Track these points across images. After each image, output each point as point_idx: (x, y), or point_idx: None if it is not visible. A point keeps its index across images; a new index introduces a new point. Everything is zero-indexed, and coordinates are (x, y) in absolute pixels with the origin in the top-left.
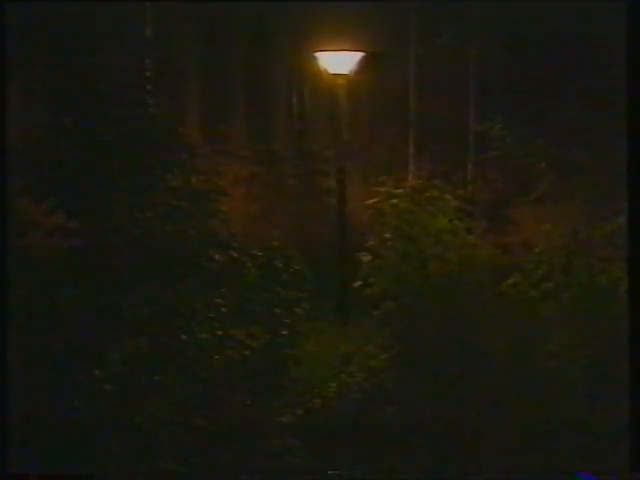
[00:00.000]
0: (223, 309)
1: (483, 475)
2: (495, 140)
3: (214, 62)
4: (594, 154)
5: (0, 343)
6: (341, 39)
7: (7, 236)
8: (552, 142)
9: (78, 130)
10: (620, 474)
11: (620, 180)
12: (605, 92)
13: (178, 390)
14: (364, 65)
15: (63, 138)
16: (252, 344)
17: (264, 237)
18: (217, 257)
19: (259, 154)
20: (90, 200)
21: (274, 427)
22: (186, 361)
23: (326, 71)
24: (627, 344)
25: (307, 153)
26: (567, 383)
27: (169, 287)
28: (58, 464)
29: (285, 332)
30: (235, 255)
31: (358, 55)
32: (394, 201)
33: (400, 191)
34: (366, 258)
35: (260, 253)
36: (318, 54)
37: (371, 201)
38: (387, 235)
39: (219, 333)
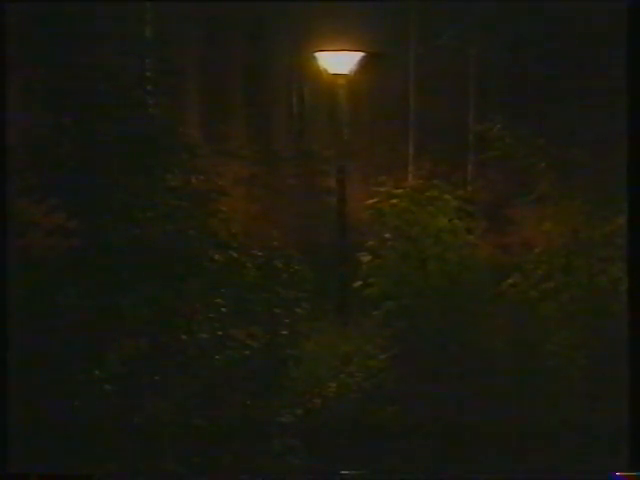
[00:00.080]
0: (223, 309)
1: (483, 475)
2: (495, 140)
3: (214, 62)
4: (594, 154)
5: (0, 343)
6: (341, 39)
7: (7, 236)
8: (552, 142)
9: (78, 130)
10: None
11: (620, 180)
12: (605, 92)
13: (178, 390)
14: (364, 65)
15: (63, 138)
16: (252, 344)
17: (264, 237)
18: (217, 257)
19: (259, 154)
20: (90, 200)
21: (274, 427)
22: (186, 361)
23: (326, 71)
24: (627, 344)
25: (307, 153)
26: (567, 383)
27: (169, 287)
28: (58, 464)
29: (285, 332)
30: (235, 255)
31: (358, 55)
32: (394, 201)
33: (400, 191)
34: (366, 258)
35: (260, 253)
36: (318, 54)
37: (371, 201)
38: (387, 235)
39: (219, 333)
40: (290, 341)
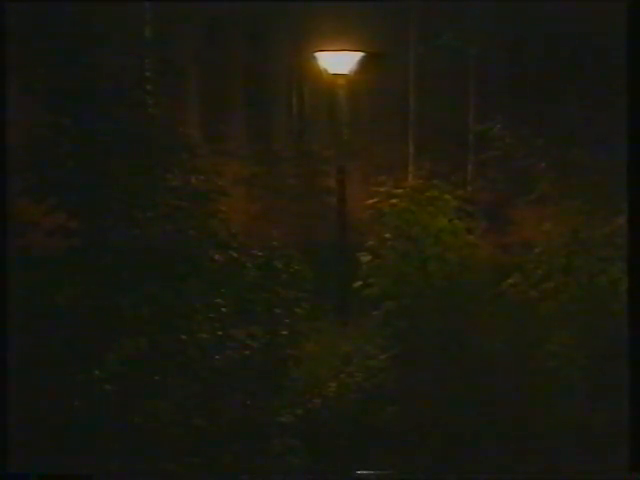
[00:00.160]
0: (223, 309)
1: (483, 475)
2: (495, 140)
3: (214, 62)
4: (594, 154)
5: (0, 343)
6: (341, 39)
7: (7, 236)
8: (552, 142)
9: (78, 130)
10: (620, 474)
11: (620, 180)
12: (605, 92)
13: (178, 390)
14: (364, 65)
15: (63, 138)
16: (252, 344)
17: (264, 237)
18: (217, 257)
19: (259, 154)
20: (90, 200)
21: (274, 427)
22: (186, 361)
23: (326, 71)
24: (627, 344)
25: (307, 153)
26: (567, 383)
27: (169, 287)
28: (58, 464)
29: (285, 332)
30: (235, 255)
31: (358, 55)
32: (394, 201)
33: (400, 191)
34: (366, 258)
35: (260, 253)
36: (318, 54)
37: (371, 201)
38: (387, 235)
39: (219, 333)
40: (290, 341)
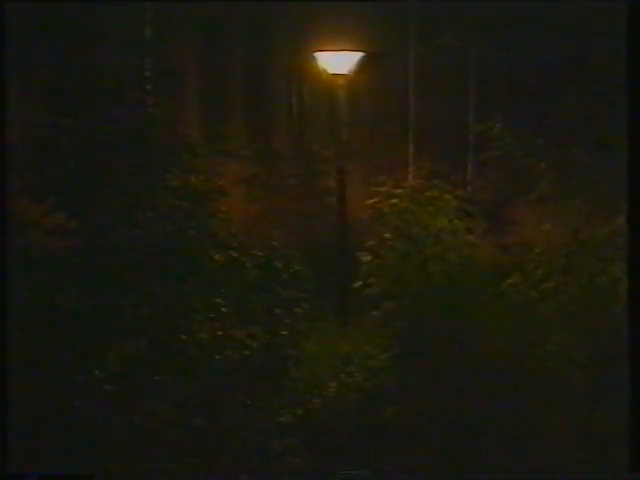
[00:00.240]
0: (223, 309)
1: (483, 475)
2: (495, 140)
3: (214, 62)
4: (594, 154)
5: (0, 343)
6: (341, 39)
7: (7, 236)
8: (552, 142)
9: (78, 130)
10: (620, 474)
11: (620, 180)
12: (605, 92)
13: (178, 390)
14: (364, 65)
15: (63, 138)
16: (252, 344)
17: (264, 237)
18: (217, 257)
19: (259, 154)
20: (90, 200)
21: (274, 427)
22: (186, 361)
23: (326, 71)
24: (627, 344)
25: (307, 153)
26: (567, 383)
27: (169, 287)
28: (58, 464)
29: (285, 332)
30: (235, 255)
31: (358, 55)
32: (394, 201)
33: (400, 191)
34: (366, 258)
35: (260, 253)
36: (318, 54)
37: (371, 201)
38: (387, 235)
39: (219, 333)
40: (290, 341)
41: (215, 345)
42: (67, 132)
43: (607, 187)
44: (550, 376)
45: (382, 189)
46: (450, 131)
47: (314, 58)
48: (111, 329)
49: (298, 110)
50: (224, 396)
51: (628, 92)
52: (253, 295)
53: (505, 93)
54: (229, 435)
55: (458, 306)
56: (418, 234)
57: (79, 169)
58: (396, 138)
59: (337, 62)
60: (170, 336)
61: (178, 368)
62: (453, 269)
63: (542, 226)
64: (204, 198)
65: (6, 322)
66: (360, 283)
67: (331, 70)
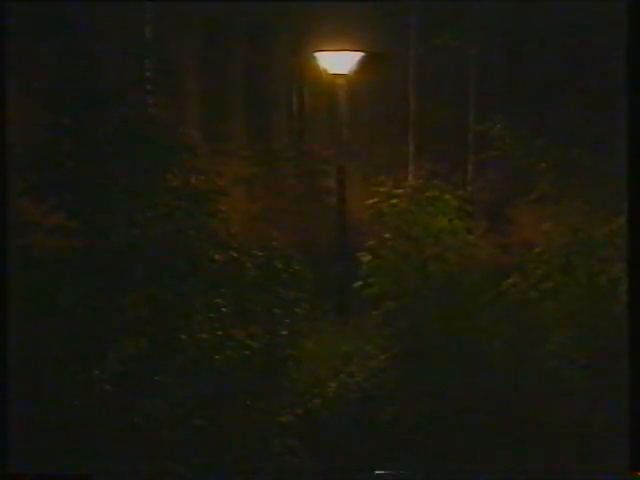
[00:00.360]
0: (223, 309)
1: (483, 475)
2: (495, 140)
3: (214, 62)
4: (594, 154)
5: (0, 343)
6: (341, 39)
7: (7, 236)
8: (552, 142)
9: (78, 130)
10: (620, 474)
11: (620, 180)
12: (605, 92)
13: (178, 390)
14: (364, 65)
15: (63, 138)
16: (252, 344)
17: (264, 237)
18: (217, 257)
19: (259, 154)
20: (90, 200)
21: (274, 427)
22: (186, 361)
23: (326, 71)
24: (627, 344)
25: (307, 153)
26: (567, 383)
27: (169, 287)
28: (58, 464)
29: (285, 332)
30: (235, 255)
31: (358, 55)
32: (394, 201)
33: (400, 191)
34: (366, 258)
35: (260, 253)
36: (318, 54)
37: (371, 201)
38: (387, 235)
39: (219, 333)
40: (290, 341)
41: (215, 345)
42: (67, 132)
43: (607, 187)
44: (550, 376)
45: (382, 189)
46: (450, 131)
47: (314, 58)
48: (111, 329)
49: (298, 110)
50: (224, 396)
51: (628, 92)
52: (253, 295)
53: (505, 93)
54: (229, 435)
55: (458, 306)
56: (418, 234)
57: (79, 169)
58: (396, 138)
59: (337, 62)
60: (170, 336)
61: (178, 368)
62: (453, 269)
63: (542, 226)
64: (204, 198)
65: (6, 322)
66: (360, 283)
67: (331, 70)
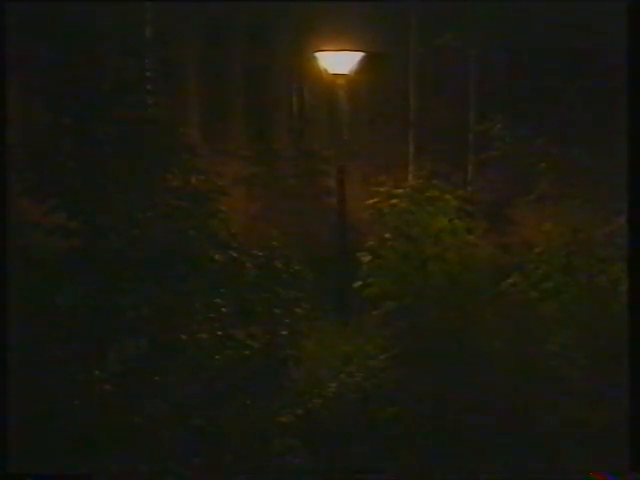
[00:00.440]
0: (223, 309)
1: (483, 475)
2: (495, 140)
3: (214, 62)
4: (594, 154)
5: (0, 343)
6: (341, 39)
7: (7, 236)
8: (552, 142)
9: (78, 130)
10: (620, 474)
11: (620, 180)
12: (605, 92)
13: (178, 390)
14: (364, 65)
15: (63, 138)
16: (252, 344)
17: (264, 237)
18: (217, 257)
19: (259, 154)
20: (90, 200)
21: (274, 427)
22: (186, 361)
23: (326, 71)
24: (627, 344)
25: (307, 153)
26: (567, 383)
27: (169, 287)
28: (58, 464)
29: (285, 332)
30: (235, 255)
31: (358, 55)
32: (394, 201)
33: (400, 191)
34: (366, 258)
35: (260, 253)
36: (318, 54)
37: (371, 201)
38: (387, 235)
39: (219, 333)
40: (290, 341)
41: (215, 345)
42: (67, 132)
43: (607, 187)
44: (550, 376)
45: (382, 189)
46: (450, 131)
47: (315, 58)
48: (111, 329)
49: (298, 110)
50: (224, 396)
51: (628, 92)
52: (253, 295)
53: (505, 93)
54: (229, 435)
55: (458, 306)
56: (418, 234)
57: (79, 169)
58: (396, 138)
59: (337, 62)
60: (170, 336)
61: (178, 368)
62: (453, 269)
63: (542, 226)
64: (204, 198)
65: (6, 322)
66: (360, 283)
67: (331, 70)
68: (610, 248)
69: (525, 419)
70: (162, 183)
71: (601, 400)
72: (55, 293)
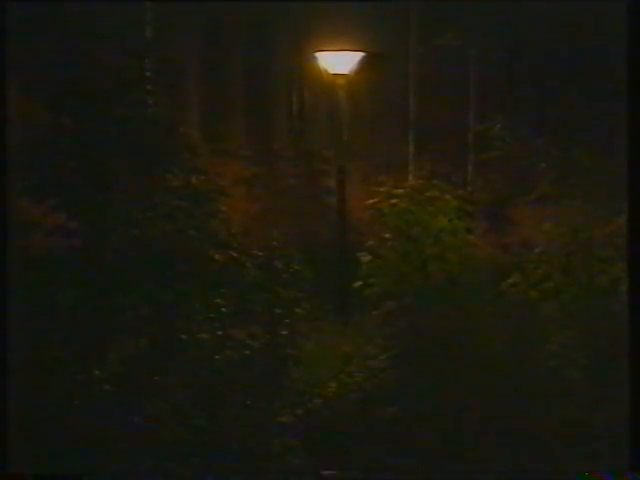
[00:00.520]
0: (223, 309)
1: (483, 475)
2: (495, 140)
3: (214, 62)
4: (594, 154)
5: (0, 343)
6: (341, 39)
7: (7, 236)
8: (552, 142)
9: (78, 130)
10: (620, 474)
11: (620, 180)
12: (605, 92)
13: (178, 390)
14: (364, 65)
15: (63, 138)
16: (252, 344)
17: (264, 237)
18: (217, 257)
19: (259, 154)
20: (90, 200)
21: (274, 427)
22: (186, 361)
23: (326, 71)
24: (627, 344)
25: (307, 153)
26: (567, 383)
27: (169, 287)
28: (58, 464)
29: (285, 332)
30: (235, 255)
31: (358, 55)
32: (394, 201)
33: (400, 191)
34: (366, 258)
35: (260, 253)
36: (318, 54)
37: (371, 201)
38: (387, 235)
39: (219, 333)
40: (290, 341)
41: (215, 345)
42: (67, 132)
43: (607, 187)
44: (550, 376)
45: (382, 189)
46: (450, 131)
47: (315, 58)
48: (111, 329)
49: (298, 110)
50: (224, 396)
51: (628, 92)
52: (253, 295)
53: (505, 93)
54: (229, 435)
55: (458, 306)
56: (418, 234)
57: (79, 169)
58: (396, 138)
59: (338, 62)
60: (170, 336)
61: (178, 368)
62: (453, 269)
63: (542, 226)
64: (204, 198)
65: (6, 322)
66: (360, 283)
67: (332, 70)
68: (610, 248)
69: (525, 419)
70: (162, 183)
71: (601, 400)
72: (55, 293)
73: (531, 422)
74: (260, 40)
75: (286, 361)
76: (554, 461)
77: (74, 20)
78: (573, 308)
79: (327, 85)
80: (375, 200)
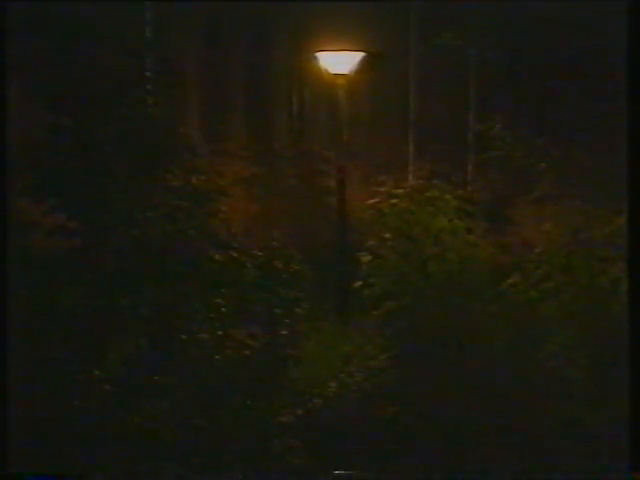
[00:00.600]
0: (223, 309)
1: (483, 475)
2: (495, 140)
3: (214, 62)
4: (594, 154)
5: (0, 343)
6: (341, 39)
7: (7, 236)
8: (552, 142)
9: (78, 130)
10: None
11: (620, 180)
12: (605, 92)
13: (178, 390)
14: (364, 65)
15: (63, 138)
16: (252, 344)
17: (264, 237)
18: (217, 257)
19: (259, 154)
20: (90, 200)
21: (274, 427)
22: (186, 361)
23: (326, 71)
24: (627, 344)
25: (307, 153)
26: (567, 383)
27: (169, 287)
28: (58, 464)
29: (285, 332)
30: (235, 255)
31: (358, 55)
32: (394, 201)
33: (400, 191)
34: (366, 258)
35: (260, 253)
36: (318, 54)
37: (371, 201)
38: (387, 235)
39: (219, 333)
40: (290, 341)
41: (215, 345)
42: (67, 132)
43: (607, 187)
44: (550, 376)
45: (382, 189)
46: (450, 131)
47: (315, 58)
48: (111, 329)
49: (298, 110)
50: (224, 396)
51: (628, 92)
52: (253, 295)
53: (505, 93)
54: (229, 435)
55: (458, 306)
56: (418, 234)
57: (79, 169)
58: (396, 138)
59: (338, 62)
60: (170, 336)
61: (178, 368)
62: (453, 269)
63: (542, 226)
64: (204, 198)
65: (6, 322)
66: (360, 283)
67: (332, 70)
68: (610, 248)
69: (525, 419)
70: (162, 183)
71: (601, 400)
72: (55, 293)
73: (531, 422)
74: (260, 40)
75: (286, 361)
76: (554, 461)
77: (74, 20)
78: (573, 308)
79: (327, 85)
80: (375, 200)
